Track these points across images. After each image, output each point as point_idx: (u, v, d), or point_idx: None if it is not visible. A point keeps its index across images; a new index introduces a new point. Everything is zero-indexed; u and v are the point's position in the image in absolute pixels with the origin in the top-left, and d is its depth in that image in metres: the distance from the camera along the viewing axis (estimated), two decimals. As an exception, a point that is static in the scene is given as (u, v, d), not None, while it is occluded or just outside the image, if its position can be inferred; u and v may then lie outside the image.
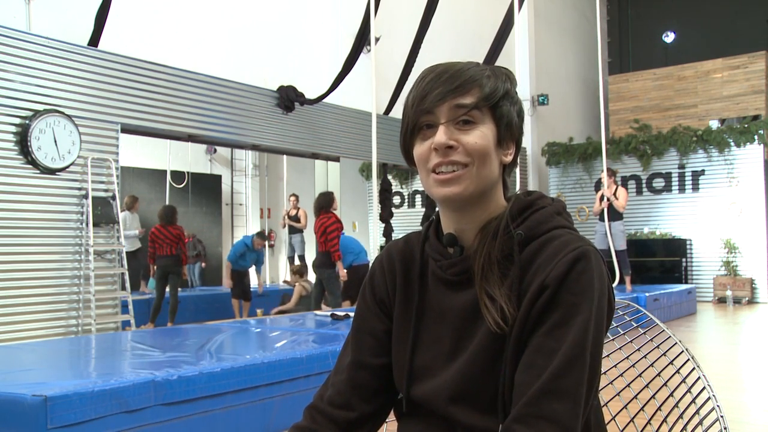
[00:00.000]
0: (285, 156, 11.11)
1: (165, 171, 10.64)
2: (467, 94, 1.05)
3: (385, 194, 9.66)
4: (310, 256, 9.90)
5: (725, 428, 1.29)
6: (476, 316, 1.06)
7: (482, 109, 1.05)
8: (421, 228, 1.21)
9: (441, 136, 1.04)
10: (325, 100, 8.30)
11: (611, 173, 9.21)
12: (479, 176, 1.06)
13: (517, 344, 1.01)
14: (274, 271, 12.14)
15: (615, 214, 9.05)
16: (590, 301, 0.98)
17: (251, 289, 9.32)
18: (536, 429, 0.94)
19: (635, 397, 1.51)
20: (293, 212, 10.62)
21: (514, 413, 0.97)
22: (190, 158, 11.12)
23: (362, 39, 7.88)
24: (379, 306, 1.20)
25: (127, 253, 8.89)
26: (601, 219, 9.16)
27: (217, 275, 11.85)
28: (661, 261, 11.54)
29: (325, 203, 7.69)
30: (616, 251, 8.98)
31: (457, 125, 1.05)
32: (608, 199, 8.95)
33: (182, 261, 8.19)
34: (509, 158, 1.11)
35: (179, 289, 8.35)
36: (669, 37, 15.35)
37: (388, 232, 9.62)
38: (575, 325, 0.97)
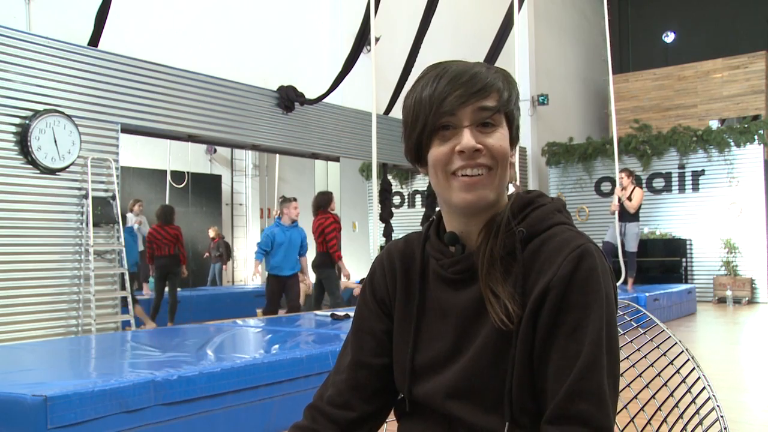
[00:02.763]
0: (278, 156, 11.10)
1: (165, 171, 10.64)
2: (488, 97, 1.05)
3: (385, 194, 9.66)
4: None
5: (725, 428, 1.29)
6: (479, 314, 1.07)
7: (500, 113, 1.07)
8: (421, 228, 1.21)
9: (469, 139, 1.04)
10: (325, 100, 8.30)
11: (629, 173, 9.18)
12: (501, 180, 1.07)
13: (524, 343, 1.02)
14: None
15: (630, 215, 9.04)
16: (600, 299, 1.00)
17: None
18: (567, 430, 0.97)
19: (635, 397, 1.51)
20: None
21: (545, 417, 1.00)
22: (190, 158, 11.12)
23: (362, 39, 7.88)
24: (380, 306, 1.20)
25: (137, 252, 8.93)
26: (621, 219, 9.13)
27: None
28: (661, 261, 11.54)
29: (323, 202, 7.68)
30: (627, 252, 8.97)
31: (479, 128, 1.05)
32: (619, 200, 8.92)
33: (181, 261, 8.18)
34: (513, 159, 1.12)
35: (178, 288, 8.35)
36: (669, 37, 15.35)
37: (388, 232, 9.62)
38: (591, 325, 0.99)
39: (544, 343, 1.01)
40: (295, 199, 7.33)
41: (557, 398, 0.98)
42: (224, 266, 11.22)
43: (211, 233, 11.00)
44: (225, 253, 11.11)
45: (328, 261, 7.54)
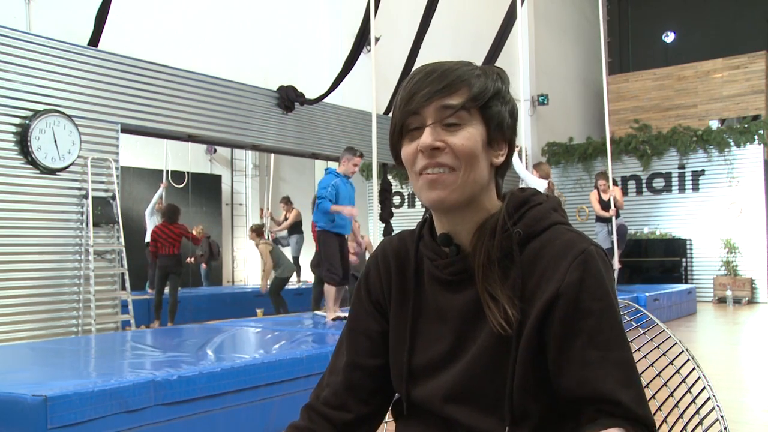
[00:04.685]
0: (277, 156, 11.09)
1: (166, 171, 10.64)
2: (455, 94, 1.02)
3: (385, 194, 9.65)
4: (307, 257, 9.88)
5: (725, 428, 1.29)
6: (477, 317, 1.05)
7: (470, 110, 1.03)
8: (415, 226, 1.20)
9: (427, 137, 1.02)
10: (325, 100, 8.30)
11: (607, 177, 9.16)
12: (466, 182, 1.03)
13: (527, 348, 1.01)
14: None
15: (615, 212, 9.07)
16: (612, 302, 1.00)
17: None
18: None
19: (635, 397, 1.51)
20: (287, 214, 10.62)
21: (593, 418, 0.97)
22: (190, 158, 11.12)
23: (362, 39, 7.88)
24: (375, 306, 1.18)
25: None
26: (599, 220, 9.15)
27: (218, 274, 11.87)
28: (661, 261, 11.55)
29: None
30: (617, 226, 8.95)
31: (444, 126, 1.03)
32: (615, 207, 8.88)
33: (183, 261, 8.19)
34: (500, 159, 1.08)
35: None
36: (669, 37, 15.36)
37: (388, 232, 9.61)
38: (613, 329, 0.99)
39: (560, 352, 0.99)
40: (362, 155, 6.22)
41: (607, 405, 0.96)
42: (203, 265, 11.14)
43: (194, 232, 10.86)
44: (207, 252, 11.01)
45: None
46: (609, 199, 8.93)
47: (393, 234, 1.25)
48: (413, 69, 1.10)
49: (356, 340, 1.18)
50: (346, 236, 6.10)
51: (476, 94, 1.03)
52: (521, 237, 1.04)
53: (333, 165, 10.65)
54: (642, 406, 0.97)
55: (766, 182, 10.92)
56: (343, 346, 1.20)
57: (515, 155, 8.50)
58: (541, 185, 7.46)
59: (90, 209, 5.84)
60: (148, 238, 8.95)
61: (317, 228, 5.92)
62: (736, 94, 12.85)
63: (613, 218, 8.89)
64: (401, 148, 1.07)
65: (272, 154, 10.99)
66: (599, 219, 9.16)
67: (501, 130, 1.06)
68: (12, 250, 5.39)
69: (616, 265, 8.87)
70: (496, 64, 1.08)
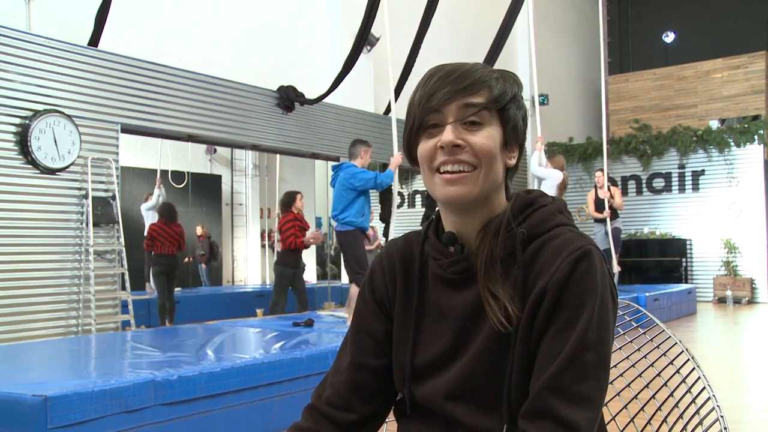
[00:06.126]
0: (278, 156, 11.08)
1: (165, 171, 10.63)
2: (476, 94, 1.04)
3: (385, 194, 9.65)
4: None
5: (725, 428, 1.29)
6: (478, 315, 1.06)
7: (490, 110, 1.05)
8: (420, 228, 1.21)
9: (449, 134, 1.04)
10: (325, 100, 8.30)
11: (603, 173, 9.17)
12: (486, 179, 1.05)
13: (522, 345, 1.01)
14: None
15: (613, 213, 9.07)
16: (593, 301, 0.99)
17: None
18: (536, 425, 0.96)
19: (635, 397, 1.51)
20: None
21: (520, 412, 0.99)
22: (190, 158, 11.11)
23: (362, 39, 7.88)
24: (379, 306, 1.19)
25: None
26: (597, 220, 9.16)
27: (218, 274, 11.85)
28: (661, 261, 11.55)
29: (285, 203, 7.72)
30: (612, 229, 8.95)
31: (464, 125, 1.04)
32: (609, 204, 8.88)
33: (179, 261, 8.18)
34: (513, 161, 1.10)
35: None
36: (669, 37, 15.37)
37: (388, 232, 9.61)
38: (579, 325, 0.98)
39: (536, 345, 1.01)
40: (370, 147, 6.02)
41: (531, 394, 0.98)
42: (203, 265, 11.15)
43: (198, 231, 10.85)
44: (208, 252, 11.01)
45: (289, 260, 7.49)
46: (604, 200, 8.94)
47: (397, 237, 1.26)
48: (424, 70, 1.10)
49: (361, 341, 1.19)
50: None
51: (497, 96, 1.05)
52: (524, 237, 1.05)
53: (333, 165, 10.64)
54: (573, 410, 0.95)
55: (766, 182, 10.92)
56: (347, 346, 1.20)
57: (535, 152, 8.35)
58: (556, 176, 7.49)
59: (90, 209, 5.84)
60: None
61: (344, 229, 5.69)
62: (736, 94, 12.86)
63: (608, 219, 8.89)
64: (418, 145, 1.09)
65: (277, 155, 10.96)
66: (597, 219, 9.16)
67: (516, 133, 1.09)
68: (12, 250, 5.39)
69: (616, 268, 8.86)
70: (496, 64, 1.08)
